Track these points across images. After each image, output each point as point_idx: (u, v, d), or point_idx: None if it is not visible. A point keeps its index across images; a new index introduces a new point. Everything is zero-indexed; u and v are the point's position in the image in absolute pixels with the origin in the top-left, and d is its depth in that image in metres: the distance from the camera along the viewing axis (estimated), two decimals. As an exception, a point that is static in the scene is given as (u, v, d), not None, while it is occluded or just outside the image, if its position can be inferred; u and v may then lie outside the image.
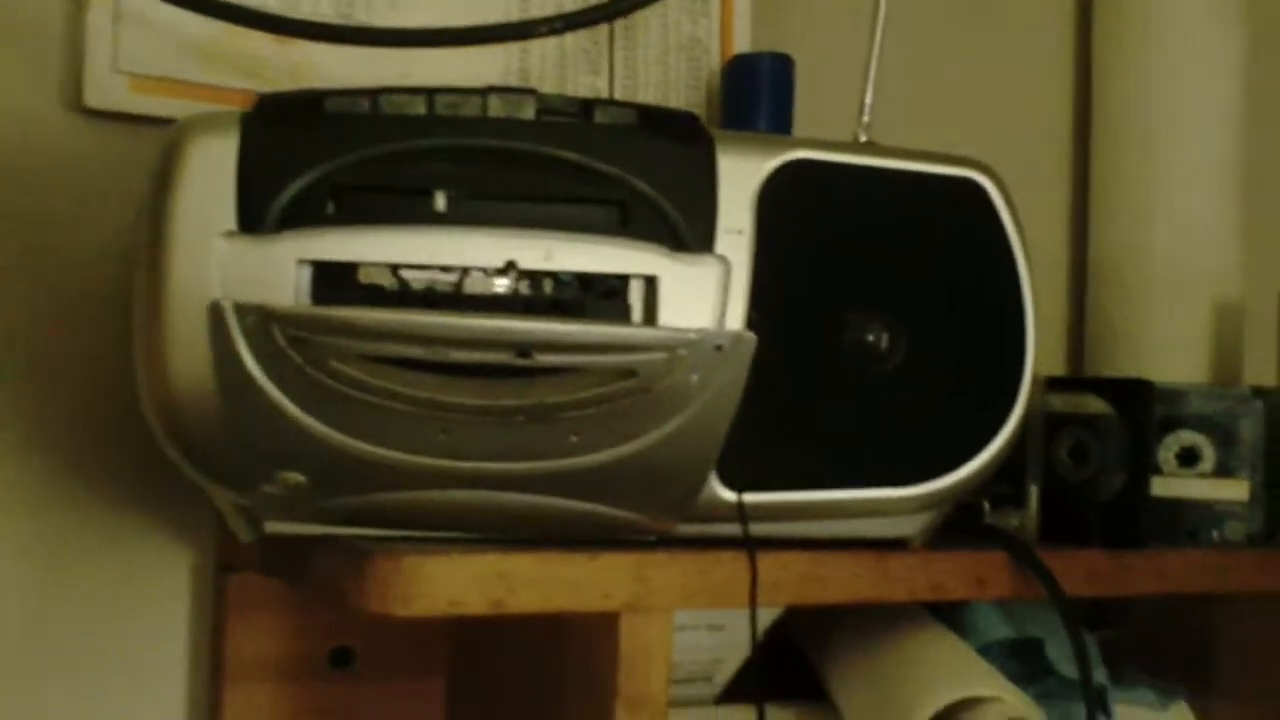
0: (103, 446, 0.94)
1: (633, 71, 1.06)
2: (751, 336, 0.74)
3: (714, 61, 1.10)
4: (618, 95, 1.04)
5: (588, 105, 0.76)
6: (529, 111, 0.75)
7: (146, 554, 0.96)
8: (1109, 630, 1.10)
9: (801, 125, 1.04)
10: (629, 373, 0.73)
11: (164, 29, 0.93)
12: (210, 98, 0.93)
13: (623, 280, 0.75)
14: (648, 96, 1.06)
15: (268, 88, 0.94)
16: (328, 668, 0.98)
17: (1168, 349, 1.19)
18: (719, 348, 0.74)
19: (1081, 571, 0.91)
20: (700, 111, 1.09)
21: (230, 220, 0.72)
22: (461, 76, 0.97)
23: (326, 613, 0.97)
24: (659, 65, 1.07)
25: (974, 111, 1.28)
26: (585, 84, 1.03)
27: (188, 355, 0.71)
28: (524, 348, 0.71)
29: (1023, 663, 1.00)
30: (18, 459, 0.92)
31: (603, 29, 1.04)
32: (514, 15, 0.99)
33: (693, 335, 0.73)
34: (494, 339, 0.71)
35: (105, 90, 0.92)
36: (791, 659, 0.99)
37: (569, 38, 1.02)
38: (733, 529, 0.78)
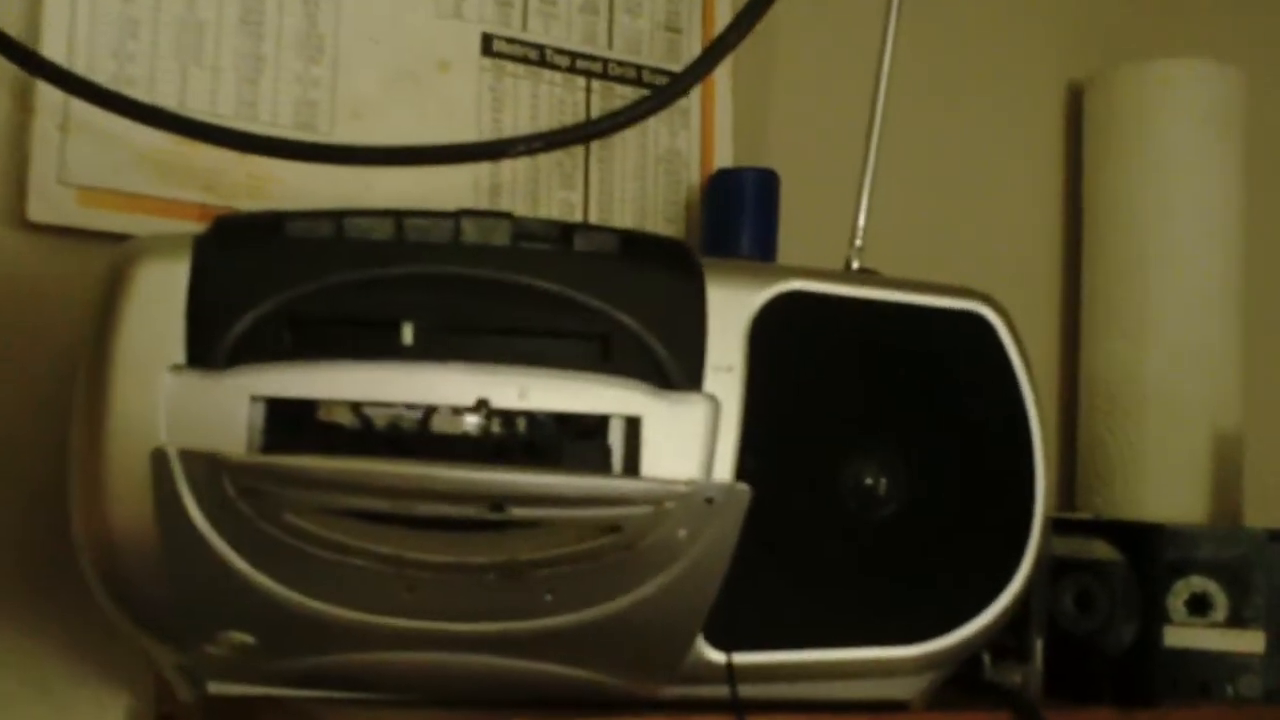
0: (34, 586, 0.87)
1: (609, 186, 1.01)
2: (746, 489, 0.69)
3: (694, 176, 1.05)
4: (593, 211, 0.99)
5: (567, 230, 0.71)
6: (504, 237, 0.70)
7: (76, 702, 0.88)
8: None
9: (786, 244, 0.99)
10: (612, 528, 0.67)
11: (115, 139, 0.87)
12: (163, 211, 0.87)
13: (603, 421, 0.69)
14: (624, 212, 1.01)
15: (224, 201, 0.89)
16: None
17: (1164, 480, 1.14)
18: (710, 500, 0.68)
19: (1090, 732, 0.85)
20: (680, 228, 1.04)
21: (179, 353, 0.66)
22: (429, 190, 0.91)
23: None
24: (636, 180, 1.02)
25: (961, 230, 1.23)
26: (560, 199, 0.98)
27: (128, 502, 0.66)
28: (497, 500, 0.65)
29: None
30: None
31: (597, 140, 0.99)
32: (485, 125, 0.94)
33: (682, 487, 0.67)
34: (465, 491, 0.65)
35: (51, 203, 0.86)
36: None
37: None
38: (721, 691, 0.72)
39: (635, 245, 0.72)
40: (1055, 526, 0.90)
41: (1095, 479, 1.18)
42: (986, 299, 0.78)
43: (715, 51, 0.89)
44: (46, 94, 0.86)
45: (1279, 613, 0.91)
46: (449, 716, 0.68)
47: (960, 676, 0.84)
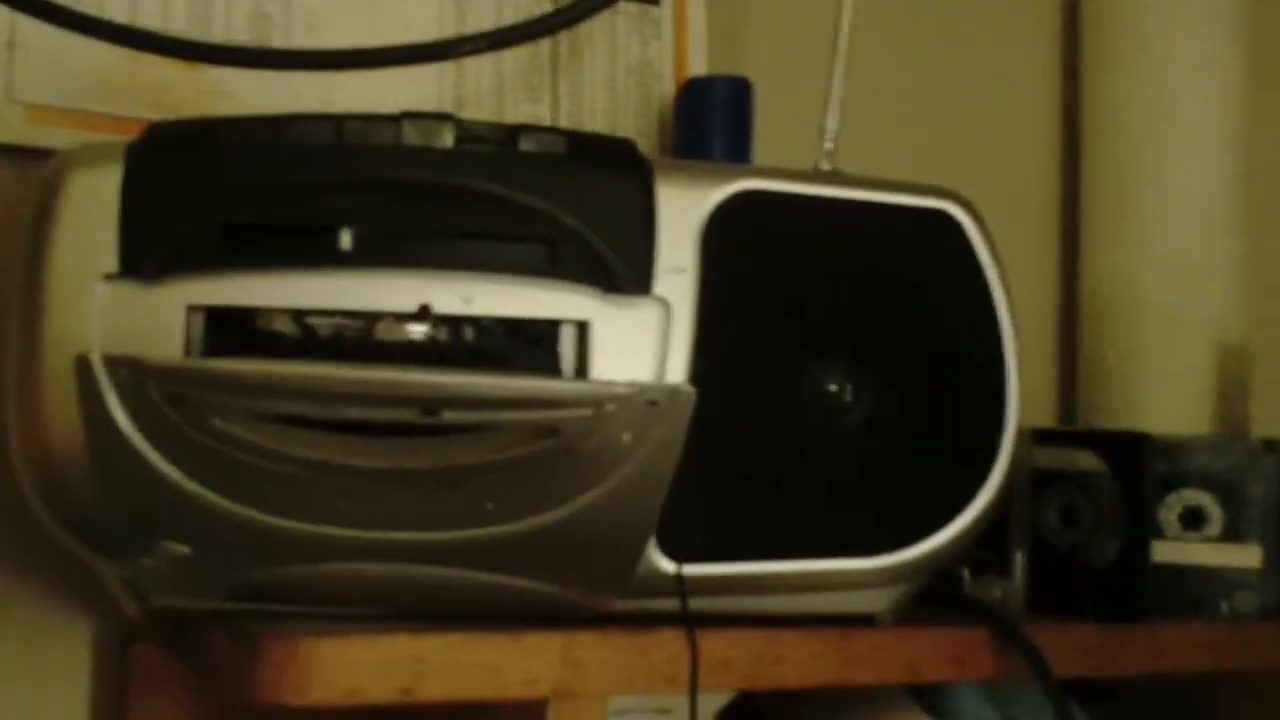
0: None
1: (578, 98, 0.98)
2: (691, 391, 0.66)
3: (667, 87, 1.02)
4: (561, 123, 0.96)
5: (513, 132, 0.69)
6: (447, 139, 0.68)
7: (42, 624, 0.87)
8: (1110, 704, 1.01)
9: (763, 156, 0.96)
10: (550, 431, 0.64)
11: (64, 57, 0.85)
12: (114, 129, 0.85)
13: (552, 326, 0.67)
14: (594, 124, 0.98)
15: (175, 118, 0.86)
16: (245, 752, 0.89)
17: (1166, 394, 1.10)
18: (653, 403, 0.66)
19: (1072, 649, 0.82)
20: (652, 140, 1.01)
21: (111, 262, 0.65)
22: (389, 104, 0.88)
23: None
24: (606, 91, 0.99)
25: (954, 139, 1.20)
26: (526, 112, 0.96)
27: (59, 411, 0.64)
28: (430, 403, 0.63)
29: (1012, 744, 0.92)
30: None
31: (545, 53, 0.96)
32: (447, 37, 0.91)
33: (622, 389, 0.65)
34: (395, 394, 0.63)
35: (-1, 121, 0.85)
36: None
37: (508, 63, 0.95)
38: (676, 605, 0.70)
39: (583, 146, 0.69)
40: (1038, 437, 0.88)
41: (1095, 393, 1.15)
42: (954, 196, 0.75)
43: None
44: (-7, 12, 0.84)
45: (1276, 526, 0.88)
46: (394, 629, 0.66)
47: (939, 592, 0.82)
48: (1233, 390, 1.12)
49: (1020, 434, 0.78)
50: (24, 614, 0.87)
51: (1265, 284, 1.21)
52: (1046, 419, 1.21)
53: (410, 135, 0.67)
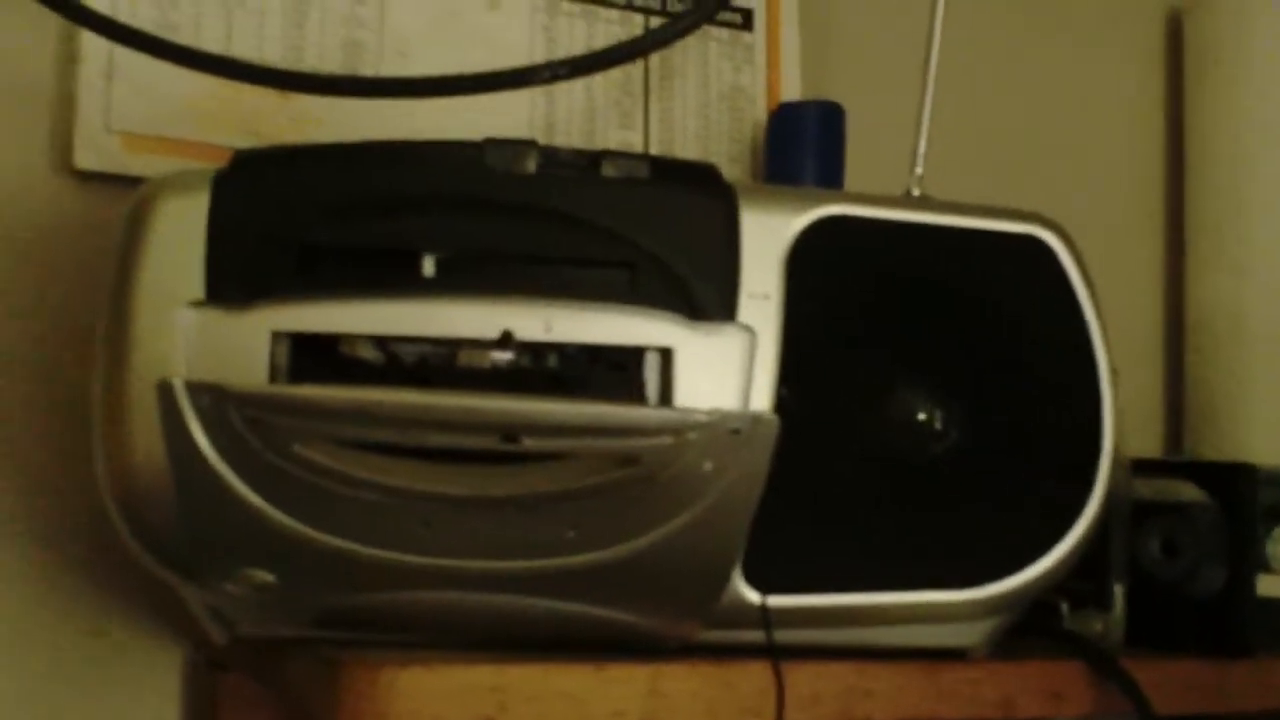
0: (86, 531, 0.86)
1: (669, 124, 0.98)
2: (773, 419, 0.65)
3: (759, 112, 1.02)
4: (653, 148, 0.96)
5: (595, 157, 0.68)
6: (530, 165, 0.67)
7: (134, 649, 0.88)
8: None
9: (856, 181, 0.95)
10: (630, 459, 0.64)
11: (160, 86, 0.86)
12: (207, 156, 0.86)
13: (636, 353, 0.66)
14: (686, 150, 0.98)
15: (267, 145, 0.87)
16: (333, 779, 0.89)
17: (1274, 424, 1.08)
18: (736, 431, 0.65)
19: (1175, 684, 0.80)
20: (744, 166, 1.01)
21: (197, 289, 0.65)
22: (479, 132, 0.89)
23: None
24: (698, 117, 0.99)
25: (1057, 162, 1.19)
26: (617, 139, 0.96)
27: (144, 437, 0.65)
28: (510, 430, 0.63)
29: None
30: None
31: (637, 79, 0.96)
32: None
33: (703, 417, 0.64)
34: (476, 421, 0.63)
35: (97, 150, 0.86)
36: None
37: (599, 89, 0.95)
38: (762, 636, 0.69)
39: (666, 171, 0.69)
40: (1139, 468, 0.85)
41: (1201, 421, 1.12)
42: (1045, 221, 0.74)
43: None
44: (91, 43, 0.86)
45: (1386, 558, 0.85)
46: (477, 658, 0.65)
47: (1035, 625, 0.80)
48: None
49: (1118, 464, 0.76)
50: (118, 638, 0.88)
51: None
52: (1153, 448, 1.19)
53: (493, 160, 0.67)
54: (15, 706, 0.86)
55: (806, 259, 0.69)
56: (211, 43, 0.88)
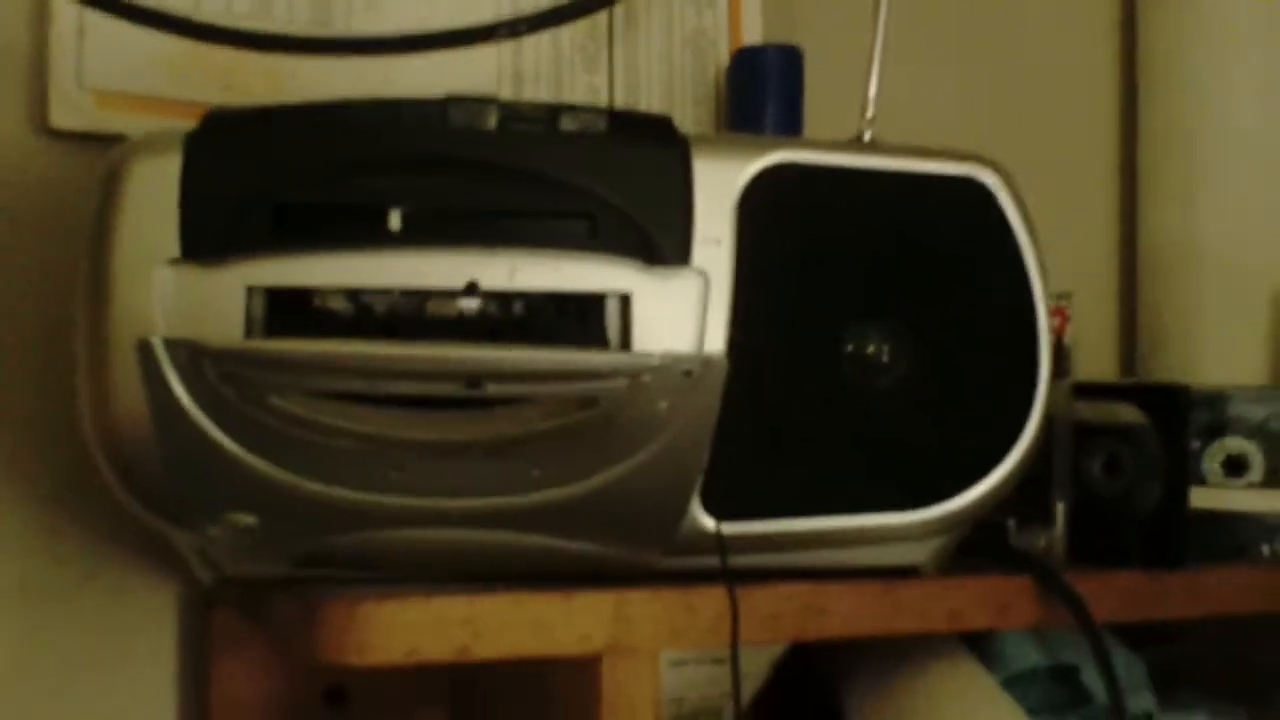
0: (81, 478, 0.89)
1: (634, 69, 1.00)
2: (723, 360, 0.69)
3: (722, 55, 1.04)
4: (619, 94, 0.99)
5: (554, 112, 0.71)
6: (491, 121, 0.70)
7: (129, 590, 0.92)
8: (1162, 648, 1.02)
9: (815, 122, 0.98)
10: (589, 401, 0.67)
11: (131, 43, 0.89)
12: (181, 112, 0.88)
13: (598, 300, 0.70)
14: (651, 94, 1.01)
15: (241, 99, 0.90)
16: (322, 707, 0.93)
17: (1223, 348, 1.11)
18: (688, 373, 0.68)
19: (1114, 595, 0.84)
20: (708, 108, 1.03)
21: (173, 247, 0.68)
22: (449, 80, 0.92)
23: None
24: (662, 61, 1.01)
25: (1013, 100, 1.21)
26: (583, 83, 0.98)
27: (126, 393, 0.68)
28: (473, 377, 0.66)
29: (1064, 688, 0.93)
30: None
31: (602, 25, 0.98)
32: (504, 8, 0.93)
33: (656, 360, 0.68)
34: (441, 369, 0.67)
35: (71, 108, 0.88)
36: (811, 686, 0.93)
37: (566, 35, 0.97)
38: (719, 561, 0.73)
39: (622, 124, 0.71)
40: (1081, 391, 0.89)
41: (1153, 345, 1.16)
42: (985, 162, 0.77)
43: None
44: (62, 2, 0.87)
45: (1319, 472, 0.90)
46: (449, 592, 0.69)
47: (986, 544, 0.84)
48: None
49: (1059, 388, 0.80)
50: (112, 580, 0.92)
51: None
52: (1109, 372, 1.22)
53: (455, 117, 0.70)
54: (17, 651, 0.90)
55: (757, 205, 0.72)
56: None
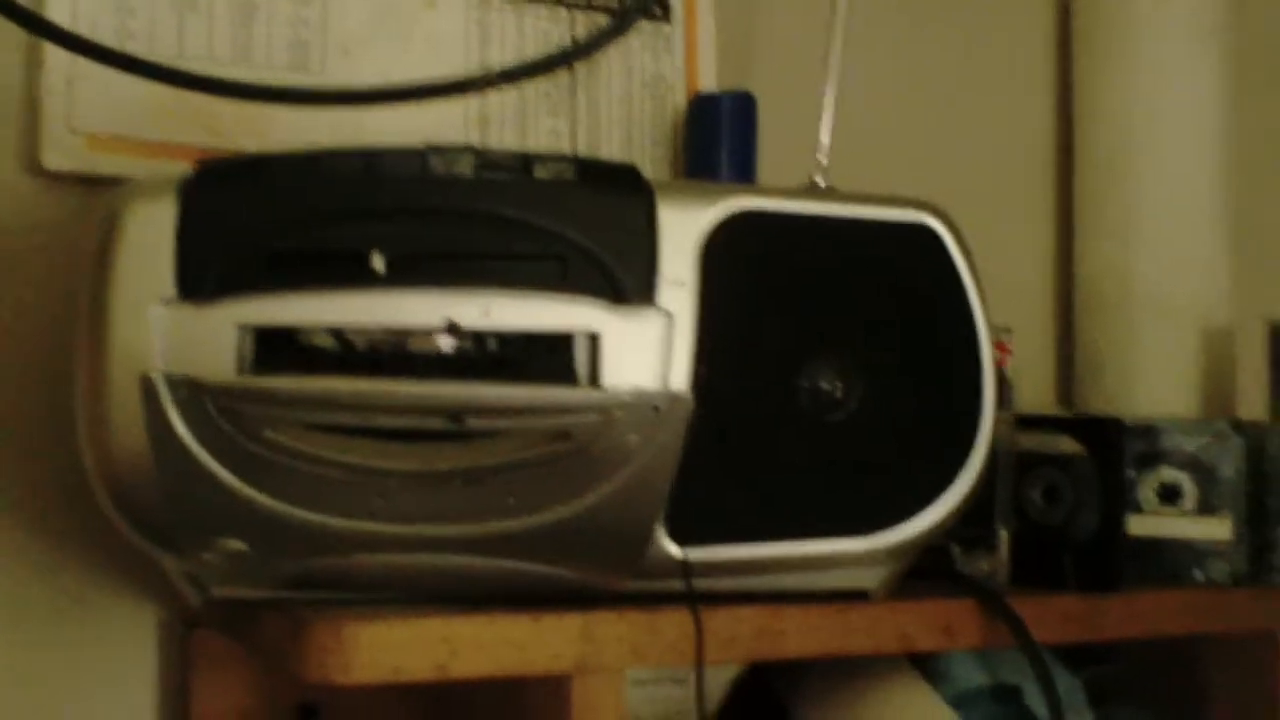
0: (63, 505, 0.93)
1: (596, 113, 1.05)
2: (689, 397, 0.73)
3: (679, 99, 1.09)
4: (581, 137, 1.03)
5: (527, 160, 0.75)
6: (467, 168, 0.74)
7: (111, 612, 0.95)
8: (1099, 668, 1.07)
9: (768, 165, 1.03)
10: (562, 435, 0.72)
11: (120, 88, 0.92)
12: (167, 154, 0.93)
13: (568, 338, 0.74)
14: (611, 138, 1.05)
15: (224, 142, 0.94)
16: (296, 724, 0.97)
17: (1156, 378, 1.17)
18: (656, 408, 0.73)
19: (1054, 617, 0.89)
20: (667, 150, 1.08)
21: (169, 287, 0.72)
22: (420, 124, 0.96)
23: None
24: (622, 105, 1.06)
25: (955, 144, 1.26)
26: (547, 127, 1.03)
27: (125, 425, 0.71)
28: (455, 412, 0.71)
29: (1007, 708, 0.98)
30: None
31: (563, 71, 1.03)
32: (473, 62, 0.98)
33: (627, 396, 0.72)
34: (425, 404, 0.71)
35: (63, 150, 0.92)
36: (767, 705, 0.97)
37: (530, 81, 1.01)
38: (683, 584, 0.77)
39: (591, 171, 0.76)
40: (1023, 423, 0.94)
41: (1090, 377, 1.21)
42: (933, 210, 0.81)
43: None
44: (54, 50, 0.91)
45: (1244, 500, 0.95)
46: (429, 613, 0.73)
47: (933, 568, 0.89)
48: (1220, 371, 1.18)
49: (1003, 420, 0.85)
50: (96, 603, 0.95)
51: (1248, 272, 1.27)
52: (1046, 403, 1.28)
53: (434, 165, 0.74)
54: (3, 669, 0.93)
55: (719, 249, 0.76)
56: (165, 45, 0.94)
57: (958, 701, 0.94)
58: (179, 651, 0.96)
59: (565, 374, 0.73)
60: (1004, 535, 0.90)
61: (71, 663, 0.94)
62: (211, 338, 0.71)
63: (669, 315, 0.75)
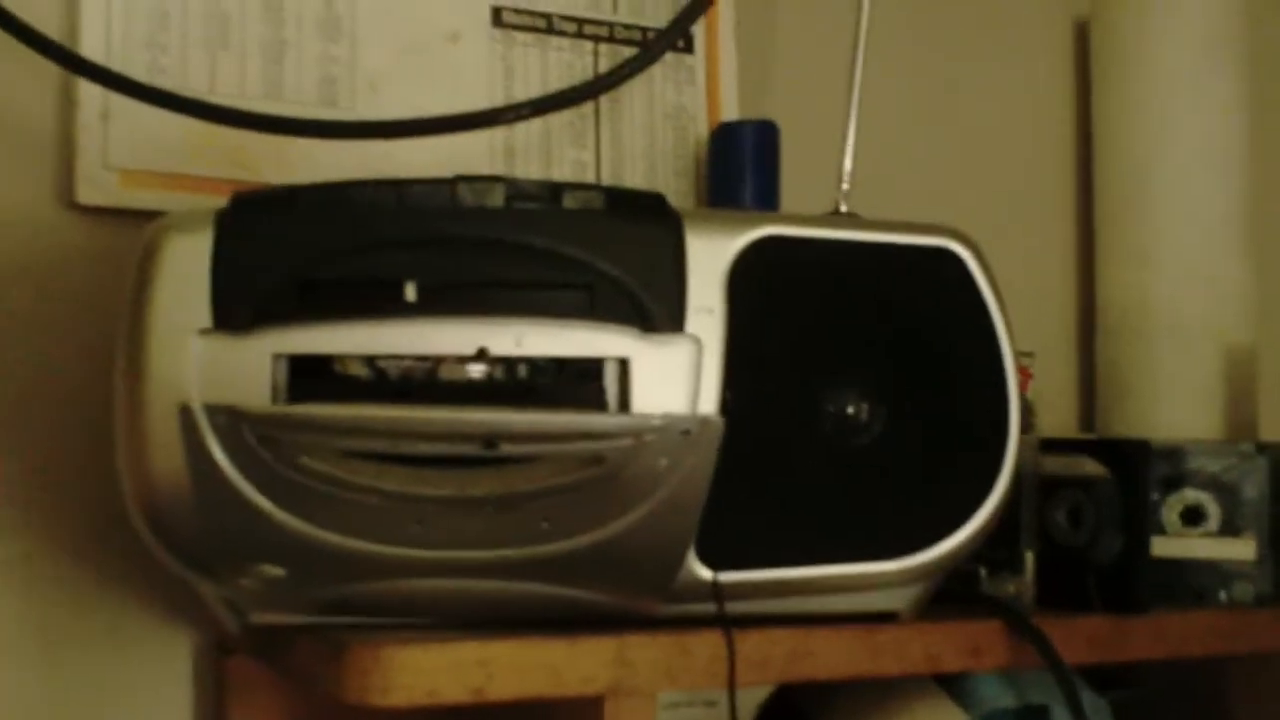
0: (100, 533, 0.95)
1: (619, 144, 1.07)
2: (719, 421, 0.74)
3: (701, 130, 1.11)
4: (605, 168, 1.05)
5: (556, 190, 0.76)
6: (498, 198, 0.76)
7: (146, 640, 0.97)
8: (1124, 691, 1.08)
9: (791, 193, 1.04)
10: (596, 459, 0.73)
11: (152, 124, 0.94)
12: (198, 188, 0.95)
13: (597, 364, 0.75)
14: (635, 168, 1.07)
15: (253, 175, 0.96)
16: (331, 750, 0.98)
17: (1178, 400, 1.17)
18: (686, 432, 0.74)
19: (1080, 638, 0.89)
20: (689, 180, 1.09)
21: (205, 318, 0.73)
22: (446, 156, 0.98)
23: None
24: (645, 135, 1.08)
25: (974, 165, 1.28)
26: (571, 158, 1.04)
27: (164, 454, 0.73)
28: (489, 438, 0.72)
29: (1032, 728, 0.99)
30: (15, 545, 0.94)
31: (588, 103, 1.04)
32: (497, 91, 1.00)
33: (658, 421, 0.73)
34: (459, 431, 0.72)
35: (97, 186, 0.94)
36: (796, 729, 0.98)
37: (554, 113, 1.03)
38: (715, 608, 0.78)
39: (619, 201, 0.77)
40: (1047, 446, 0.95)
41: (1111, 400, 1.22)
42: (957, 234, 0.82)
43: (686, 17, 0.93)
44: (87, 87, 0.93)
45: (1269, 521, 0.95)
46: (465, 637, 0.74)
47: (957, 589, 0.89)
48: (1241, 393, 1.18)
49: (1027, 444, 0.85)
50: (131, 632, 0.97)
51: (1271, 292, 1.28)
52: (1068, 426, 1.28)
53: (465, 196, 0.76)
54: (41, 696, 0.94)
55: (746, 275, 0.77)
56: (197, 82, 0.96)
57: (987, 722, 0.95)
58: (214, 679, 0.97)
59: (596, 400, 0.74)
60: (1029, 557, 0.91)
61: (106, 691, 0.96)
62: (247, 367, 0.73)
63: (698, 341, 0.76)
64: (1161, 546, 0.93)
